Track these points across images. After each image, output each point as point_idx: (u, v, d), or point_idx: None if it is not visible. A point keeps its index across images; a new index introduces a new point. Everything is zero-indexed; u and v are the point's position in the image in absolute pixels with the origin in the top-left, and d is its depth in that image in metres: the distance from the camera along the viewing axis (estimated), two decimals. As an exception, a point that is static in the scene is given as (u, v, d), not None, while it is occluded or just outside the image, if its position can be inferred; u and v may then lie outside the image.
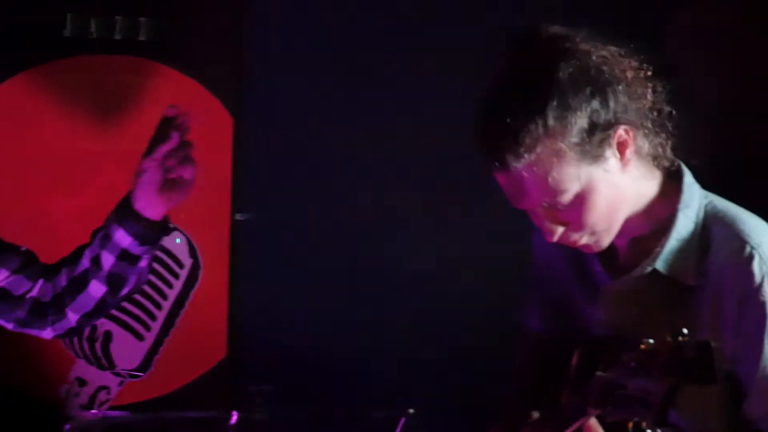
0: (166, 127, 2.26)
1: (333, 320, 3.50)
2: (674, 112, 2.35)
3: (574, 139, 2.25)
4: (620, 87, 2.29)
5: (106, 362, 3.55)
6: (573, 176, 2.26)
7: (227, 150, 3.57)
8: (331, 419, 2.47)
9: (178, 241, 3.58)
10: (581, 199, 2.28)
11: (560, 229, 2.32)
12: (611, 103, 2.27)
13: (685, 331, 1.88)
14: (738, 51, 3.35)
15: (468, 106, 3.45)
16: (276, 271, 3.53)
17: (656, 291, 2.37)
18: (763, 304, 2.26)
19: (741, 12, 3.23)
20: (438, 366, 3.45)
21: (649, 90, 2.34)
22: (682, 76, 2.51)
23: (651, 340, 1.95)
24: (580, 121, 2.25)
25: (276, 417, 2.36)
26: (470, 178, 3.50)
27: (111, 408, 3.42)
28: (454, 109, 3.53)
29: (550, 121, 2.24)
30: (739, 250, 2.29)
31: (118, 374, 3.54)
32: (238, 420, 2.38)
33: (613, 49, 2.32)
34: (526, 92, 2.24)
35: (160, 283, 3.57)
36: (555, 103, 2.24)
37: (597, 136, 2.26)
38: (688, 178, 2.40)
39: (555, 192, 2.27)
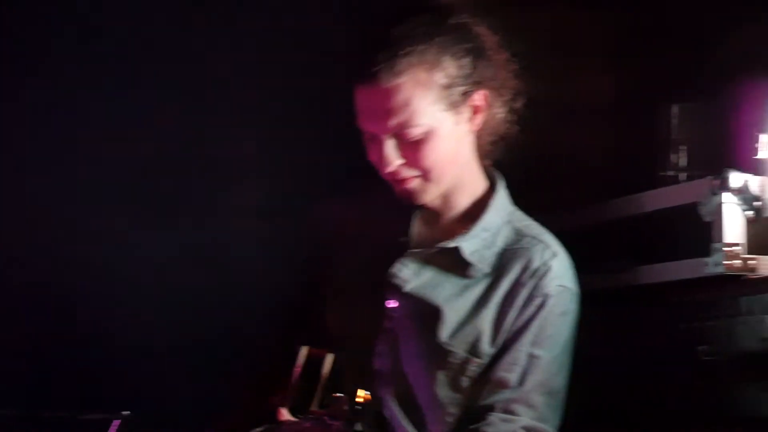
0: None
1: (48, 320, 3.43)
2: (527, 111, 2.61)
3: (442, 80, 2.44)
4: (492, 62, 2.53)
5: None
6: (429, 113, 2.44)
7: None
8: (43, 421, 2.42)
9: None
10: (428, 138, 2.46)
11: (398, 162, 2.48)
12: (481, 67, 2.50)
13: (366, 391, 1.99)
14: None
15: (205, 106, 3.45)
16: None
17: (450, 270, 2.57)
18: (547, 296, 2.53)
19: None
20: (154, 367, 3.42)
21: (513, 82, 2.58)
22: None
23: (340, 394, 2.03)
24: (451, 67, 2.45)
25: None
26: (208, 178, 3.52)
27: None
28: (195, 108, 3.53)
29: (429, 54, 2.43)
30: (543, 251, 2.55)
31: None
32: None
33: (494, 36, 2.56)
34: (417, 24, 2.44)
35: None
36: (439, 40, 2.44)
37: (460, 88, 2.47)
38: (503, 184, 2.66)
39: (409, 121, 2.44)
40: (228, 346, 3.38)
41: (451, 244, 2.56)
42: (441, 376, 2.51)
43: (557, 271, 2.55)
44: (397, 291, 2.56)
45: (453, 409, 2.52)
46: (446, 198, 2.60)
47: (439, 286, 2.56)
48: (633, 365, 2.85)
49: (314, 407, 2.34)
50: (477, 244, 2.57)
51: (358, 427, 2.04)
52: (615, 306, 2.94)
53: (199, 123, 3.52)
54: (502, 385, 2.49)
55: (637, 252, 2.85)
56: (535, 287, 2.52)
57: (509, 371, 2.49)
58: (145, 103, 3.50)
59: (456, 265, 2.56)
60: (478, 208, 2.61)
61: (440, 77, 2.44)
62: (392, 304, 2.56)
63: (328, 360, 2.39)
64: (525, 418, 2.48)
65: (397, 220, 2.63)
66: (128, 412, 2.30)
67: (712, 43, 3.31)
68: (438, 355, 2.51)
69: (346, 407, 2.06)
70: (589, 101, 3.74)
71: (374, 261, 2.61)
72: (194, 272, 3.50)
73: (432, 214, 2.61)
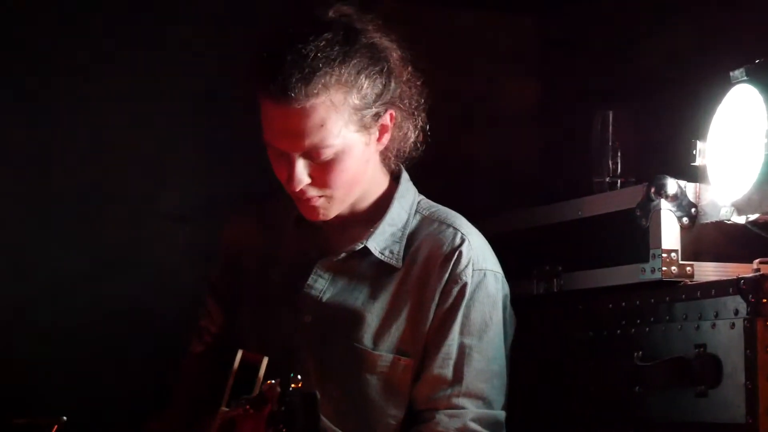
0: None
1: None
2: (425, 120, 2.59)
3: (356, 101, 2.39)
4: (399, 81, 2.49)
5: None
6: (341, 134, 2.39)
7: None
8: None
9: None
10: (338, 159, 2.42)
11: (306, 181, 2.43)
12: (392, 86, 2.45)
13: (299, 377, 1.97)
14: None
15: (120, 110, 3.41)
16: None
17: (363, 272, 2.55)
18: (465, 284, 2.50)
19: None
20: (90, 372, 3.38)
21: (416, 95, 2.55)
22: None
23: (273, 381, 2.02)
24: (366, 88, 2.40)
25: None
26: (124, 182, 3.48)
27: None
28: (110, 111, 3.49)
29: (345, 75, 2.37)
30: (453, 236, 2.53)
31: None
32: None
33: (398, 51, 2.52)
34: (331, 43, 2.36)
35: None
36: (355, 62, 2.38)
37: (372, 110, 2.42)
38: (405, 175, 2.63)
39: (321, 143, 2.38)
40: (150, 348, 3.35)
41: (359, 245, 2.54)
42: (373, 381, 2.50)
43: (469, 255, 2.53)
44: (315, 302, 2.54)
45: (394, 412, 2.51)
46: (349, 206, 2.57)
47: (356, 290, 2.54)
48: (568, 370, 2.86)
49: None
50: (385, 241, 2.55)
51: (290, 407, 2.01)
52: (549, 311, 2.95)
53: (115, 126, 3.49)
54: (441, 382, 2.49)
55: (573, 257, 2.86)
56: (450, 275, 2.51)
57: (444, 367, 2.49)
58: (63, 106, 3.47)
59: (369, 266, 2.55)
60: (383, 204, 2.59)
61: (355, 99, 2.40)
62: (311, 316, 2.54)
63: (263, 363, 2.38)
64: (471, 409, 2.47)
65: (310, 229, 2.61)
66: (65, 418, 2.26)
67: (649, 48, 3.33)
68: (366, 360, 2.50)
69: (278, 389, 2.04)
70: (522, 107, 3.76)
71: (290, 272, 2.60)
72: (113, 276, 3.46)
73: (338, 220, 2.58)
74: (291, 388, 2.01)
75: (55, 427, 2.25)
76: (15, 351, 3.34)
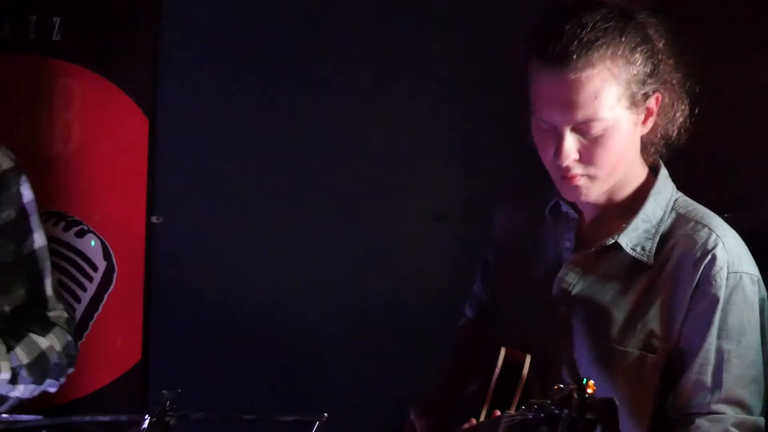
0: None
1: (247, 324, 3.48)
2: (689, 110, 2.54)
3: (631, 76, 2.41)
4: (670, 62, 2.49)
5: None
6: (612, 108, 2.41)
7: (142, 152, 3.53)
8: (242, 424, 2.45)
9: (93, 243, 3.54)
10: (606, 135, 2.42)
11: (574, 157, 2.44)
12: (661, 68, 2.46)
13: (591, 381, 1.93)
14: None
15: (379, 110, 3.46)
16: (191, 274, 3.51)
17: (614, 267, 2.52)
18: (719, 288, 2.43)
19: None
20: (352, 370, 3.44)
21: (682, 82, 2.52)
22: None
23: (562, 386, 1.98)
24: (640, 65, 2.42)
25: (188, 421, 2.34)
26: (384, 182, 3.53)
27: (22, 412, 3.35)
28: (369, 112, 3.55)
29: (622, 48, 2.40)
30: (707, 237, 2.47)
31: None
32: (150, 424, 2.35)
33: (662, 40, 2.50)
34: (607, 17, 2.40)
35: (73, 286, 3.53)
36: (631, 37, 2.41)
37: (644, 88, 2.43)
38: (664, 171, 2.59)
39: (594, 115, 2.40)
40: (411, 347, 3.39)
41: (611, 240, 2.51)
42: (620, 378, 2.47)
43: (725, 257, 2.45)
44: (566, 294, 2.54)
45: (641, 410, 2.47)
46: (607, 194, 2.54)
47: (606, 285, 2.51)
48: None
49: (513, 408, 2.33)
50: (638, 237, 2.51)
51: (589, 415, 1.97)
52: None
53: (375, 126, 3.54)
54: (699, 388, 2.44)
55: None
56: (703, 278, 2.44)
57: (702, 373, 2.43)
58: (323, 107, 3.54)
59: (620, 261, 2.52)
60: (639, 199, 2.55)
61: (629, 73, 2.40)
62: (565, 308, 2.53)
63: (526, 362, 2.38)
64: (732, 414, 2.42)
65: (566, 221, 2.60)
66: (326, 415, 2.31)
67: None
68: (613, 356, 2.47)
69: (575, 396, 2.00)
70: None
71: (546, 264, 2.60)
72: (373, 275, 3.51)
73: (593, 212, 2.57)
74: (587, 394, 1.97)
75: (318, 423, 2.30)
76: (279, 350, 3.43)
